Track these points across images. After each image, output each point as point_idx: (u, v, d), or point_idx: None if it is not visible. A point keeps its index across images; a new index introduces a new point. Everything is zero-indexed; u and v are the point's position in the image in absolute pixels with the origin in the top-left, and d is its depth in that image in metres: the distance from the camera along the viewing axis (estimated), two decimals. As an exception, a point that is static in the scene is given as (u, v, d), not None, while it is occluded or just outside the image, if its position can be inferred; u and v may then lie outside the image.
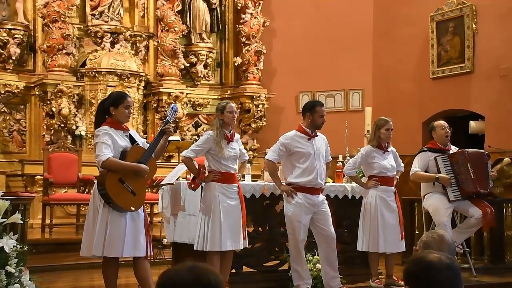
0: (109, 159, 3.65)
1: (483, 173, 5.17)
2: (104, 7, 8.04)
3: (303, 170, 4.36)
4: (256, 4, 8.67)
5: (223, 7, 8.93)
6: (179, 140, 7.12)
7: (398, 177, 5.08)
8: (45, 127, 7.65)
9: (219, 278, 1.53)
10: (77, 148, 7.45)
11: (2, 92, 7.48)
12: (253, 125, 8.65)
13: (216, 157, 4.27)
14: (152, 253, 3.92)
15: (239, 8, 8.73)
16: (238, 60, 8.71)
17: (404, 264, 3.08)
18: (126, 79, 7.85)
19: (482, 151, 5.54)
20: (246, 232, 4.38)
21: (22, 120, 7.76)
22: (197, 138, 8.26)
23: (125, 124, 3.89)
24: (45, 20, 7.59)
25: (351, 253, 5.16)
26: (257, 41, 8.64)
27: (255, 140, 8.67)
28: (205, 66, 8.75)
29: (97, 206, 3.72)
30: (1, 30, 7.47)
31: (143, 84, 8.20)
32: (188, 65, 8.61)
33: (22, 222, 3.52)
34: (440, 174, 5.07)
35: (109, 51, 7.97)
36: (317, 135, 4.49)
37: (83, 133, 7.74)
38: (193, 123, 8.74)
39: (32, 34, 7.84)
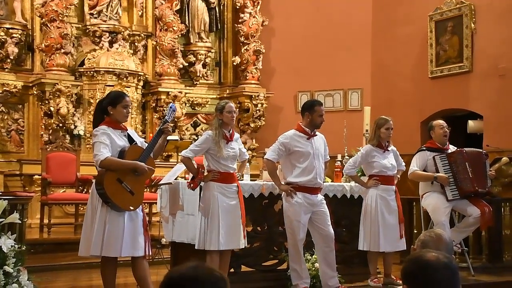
0: (107, 158, 3.65)
1: (481, 172, 5.18)
2: (103, 6, 8.02)
3: (303, 169, 4.36)
4: (255, 4, 8.67)
5: (221, 7, 8.92)
6: (177, 139, 7.12)
7: (399, 176, 5.09)
8: (43, 126, 7.64)
9: (224, 276, 1.54)
10: (75, 147, 7.43)
11: (0, 91, 7.46)
12: (252, 125, 8.65)
13: (215, 157, 4.27)
14: (150, 253, 3.92)
15: (237, 7, 8.72)
16: (237, 59, 8.71)
17: (402, 263, 3.07)
18: (124, 79, 7.83)
19: (481, 150, 5.55)
20: (245, 231, 4.38)
21: (20, 120, 7.75)
22: (196, 138, 8.28)
23: (123, 123, 3.89)
24: (43, 19, 7.58)
25: (350, 253, 5.16)
26: (256, 40, 8.64)
27: (253, 140, 8.67)
28: (204, 66, 8.74)
29: (96, 206, 3.72)
30: (-1, 29, 7.46)
31: (141, 83, 8.19)
32: (187, 64, 8.61)
33: (20, 221, 3.51)
34: (438, 173, 5.07)
35: (108, 50, 7.96)
36: (316, 135, 4.49)
37: (81, 132, 7.73)
38: (191, 122, 8.74)
39: (30, 33, 7.83)
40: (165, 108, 7.78)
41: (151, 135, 7.70)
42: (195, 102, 8.68)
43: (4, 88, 7.48)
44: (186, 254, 4.84)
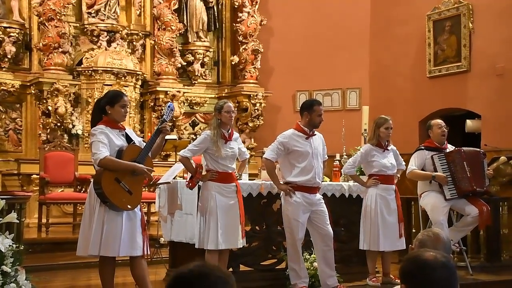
0: (106, 157, 3.65)
1: (479, 172, 5.19)
2: (101, 6, 8.01)
3: (301, 169, 4.36)
4: (253, 3, 8.67)
5: (220, 6, 8.92)
6: (176, 139, 7.11)
7: (399, 176, 5.09)
8: (41, 126, 7.62)
9: (230, 273, 1.57)
10: (73, 147, 7.43)
11: (-2, 91, 7.46)
12: (250, 124, 8.65)
13: (213, 157, 4.27)
14: (149, 252, 3.91)
15: (236, 6, 8.72)
16: (235, 58, 8.71)
17: (400, 262, 3.07)
18: (122, 78, 7.83)
19: (479, 149, 5.55)
20: (244, 231, 4.38)
21: (18, 119, 7.74)
22: (194, 137, 8.28)
23: (121, 123, 3.88)
24: (41, 18, 7.57)
25: (348, 252, 5.17)
26: (254, 39, 8.64)
27: (252, 139, 8.67)
28: (202, 65, 8.74)
29: (94, 206, 3.71)
30: (-4, 28, 7.45)
31: (139, 83, 8.18)
32: (185, 63, 8.60)
33: (18, 221, 3.50)
34: (436, 172, 5.08)
35: (106, 49, 7.95)
36: (315, 134, 4.49)
37: (79, 132, 7.72)
38: (190, 122, 8.74)
39: (28, 32, 7.81)
40: (163, 108, 7.77)
41: (149, 134, 7.69)
42: (194, 102, 8.67)
43: (2, 87, 7.46)
44: (184, 254, 4.84)
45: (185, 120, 8.60)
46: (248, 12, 8.63)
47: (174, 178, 4.95)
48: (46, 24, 7.52)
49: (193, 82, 8.74)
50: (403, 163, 5.08)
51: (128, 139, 3.86)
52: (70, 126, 7.67)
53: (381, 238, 4.75)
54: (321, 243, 4.44)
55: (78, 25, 8.07)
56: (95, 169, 3.79)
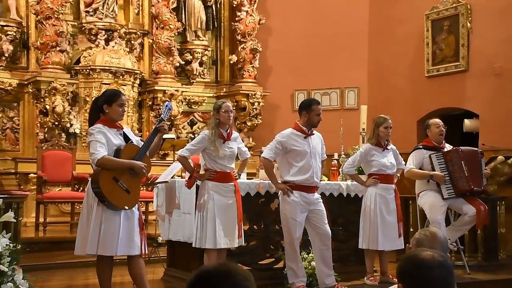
0: (104, 157, 3.64)
1: (477, 171, 5.19)
2: (99, 4, 8.00)
3: (299, 168, 4.36)
4: (252, 2, 8.66)
5: (218, 5, 8.91)
6: (174, 138, 7.11)
7: (398, 175, 5.09)
8: (38, 125, 7.61)
9: (250, 273, 1.59)
10: (71, 146, 7.41)
11: (-5, 89, 7.44)
12: (249, 123, 8.65)
13: (211, 156, 4.28)
14: (146, 251, 3.91)
15: (234, 5, 8.71)
16: (234, 58, 8.70)
17: (398, 261, 3.06)
18: (120, 77, 7.81)
19: (476, 149, 5.56)
20: (242, 230, 4.38)
21: (15, 118, 7.72)
22: (193, 136, 8.27)
23: (119, 122, 3.88)
24: (38, 16, 7.55)
25: (346, 251, 5.17)
26: (252, 39, 8.63)
27: (250, 138, 8.67)
28: (201, 64, 8.73)
29: (91, 205, 3.71)
30: (-6, 27, 7.43)
31: (138, 81, 8.17)
32: (183, 62, 8.59)
33: (15, 220, 3.50)
34: (434, 171, 5.08)
35: (104, 48, 7.93)
36: (313, 134, 4.49)
37: (77, 131, 7.71)
38: (188, 121, 8.73)
39: (25, 31, 7.80)
40: (161, 107, 7.77)
41: (147, 133, 7.69)
42: (192, 101, 8.67)
43: (-1, 86, 7.46)
44: (182, 253, 4.84)
45: (183, 119, 8.60)
46: (247, 11, 8.62)
47: (172, 177, 4.94)
48: (44, 23, 7.50)
49: (192, 81, 8.73)
50: (403, 162, 5.08)
51: (126, 138, 3.85)
52: (68, 125, 7.65)
53: (380, 238, 4.75)
54: (319, 243, 4.44)
55: (76, 23, 8.05)
56: (93, 169, 3.78)
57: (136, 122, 8.16)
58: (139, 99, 8.32)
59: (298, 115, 4.52)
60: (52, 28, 7.50)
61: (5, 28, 7.49)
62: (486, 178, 5.33)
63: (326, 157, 4.65)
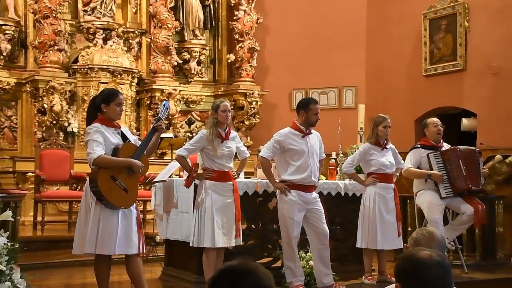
0: (100, 156, 3.64)
1: (475, 170, 5.20)
2: (96, 3, 7.99)
3: (297, 167, 4.36)
4: (250, 1, 8.66)
5: (216, 4, 8.91)
6: (172, 137, 7.11)
7: (398, 174, 5.10)
8: (36, 123, 7.60)
9: (270, 272, 1.60)
10: (69, 145, 7.41)
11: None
12: (247, 122, 8.64)
13: (209, 156, 4.28)
14: (144, 250, 3.90)
15: (232, 4, 8.71)
16: (232, 57, 8.70)
17: (396, 260, 3.07)
18: (118, 76, 7.81)
19: (474, 148, 5.57)
20: (241, 230, 4.38)
21: (13, 117, 7.71)
22: (191, 135, 8.27)
23: (116, 121, 3.88)
24: (37, 16, 7.54)
25: (344, 250, 5.18)
26: (250, 38, 8.63)
27: (248, 137, 8.66)
28: (198, 63, 8.73)
29: (89, 204, 3.70)
30: (-8, 26, 7.42)
31: (135, 80, 8.17)
32: (181, 61, 8.59)
33: (13, 219, 3.49)
34: (432, 171, 5.09)
35: (102, 47, 7.92)
36: (311, 133, 4.49)
37: (75, 130, 7.71)
38: (186, 120, 8.73)
39: (23, 30, 7.79)
40: (159, 106, 7.76)
41: (145, 132, 7.69)
42: (190, 100, 8.67)
43: (-3, 85, 7.44)
44: (180, 252, 4.84)
45: (181, 118, 8.59)
46: (245, 10, 8.62)
47: (170, 177, 4.94)
48: (42, 22, 7.49)
49: (189, 80, 8.73)
50: (402, 161, 5.08)
51: (124, 137, 3.85)
52: (66, 124, 7.65)
53: (379, 237, 4.75)
54: (317, 242, 4.44)
55: (74, 22, 8.04)
56: (91, 168, 3.78)
57: (134, 121, 8.16)
58: (137, 98, 8.31)
59: (296, 114, 4.53)
60: (50, 27, 7.48)
61: (3, 27, 7.48)
62: (484, 177, 5.34)
63: (324, 156, 4.65)
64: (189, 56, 8.60)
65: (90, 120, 3.83)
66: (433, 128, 5.20)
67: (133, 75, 8.05)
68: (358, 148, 5.23)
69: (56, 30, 7.51)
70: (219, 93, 8.72)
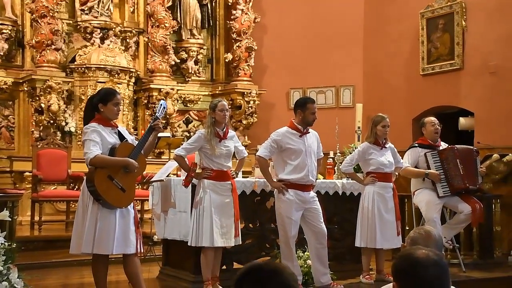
0: (96, 156, 3.63)
1: (472, 169, 5.21)
2: (94, 3, 7.97)
3: (295, 167, 4.37)
4: (247, 0, 8.65)
5: (213, 3, 8.90)
6: (169, 136, 7.10)
7: (397, 174, 5.10)
8: (34, 123, 7.59)
9: (296, 276, 1.63)
10: (66, 144, 7.39)
11: (-10, 88, 7.41)
12: (244, 122, 8.64)
13: (208, 155, 4.28)
14: (142, 250, 3.90)
15: (230, 4, 8.70)
16: (229, 56, 8.69)
17: (393, 259, 3.07)
18: (116, 75, 7.79)
19: (472, 147, 5.58)
20: (239, 229, 4.38)
21: (10, 116, 7.69)
22: (188, 135, 8.27)
23: (114, 121, 3.87)
24: (34, 15, 7.52)
25: (342, 249, 5.18)
26: (248, 37, 8.63)
27: (246, 137, 8.66)
28: (196, 62, 8.72)
29: (87, 203, 3.70)
30: (-12, 25, 7.39)
31: (133, 80, 8.15)
32: (179, 61, 8.58)
33: (10, 219, 3.48)
34: (430, 170, 5.09)
35: (99, 47, 7.91)
36: (309, 132, 4.49)
37: (72, 129, 7.69)
38: (184, 119, 8.72)
39: (20, 29, 7.77)
40: (156, 105, 7.74)
41: (142, 132, 7.67)
42: (187, 99, 8.66)
43: (-6, 84, 7.42)
44: (178, 251, 4.83)
45: (178, 118, 8.58)
46: (242, 10, 8.61)
47: (167, 176, 4.94)
48: (39, 21, 7.47)
49: (187, 80, 8.72)
50: (401, 160, 5.09)
51: (121, 137, 3.84)
52: (63, 123, 7.63)
53: (378, 236, 4.75)
54: (315, 241, 4.45)
55: (71, 22, 8.02)
56: (88, 168, 3.77)
57: (132, 120, 8.15)
58: (135, 98, 8.30)
59: (293, 114, 4.53)
60: (47, 26, 7.47)
61: (0, 26, 7.45)
62: (481, 176, 5.35)
63: (322, 155, 4.65)
64: (186, 56, 8.60)
65: (87, 119, 3.82)
66: (431, 127, 5.21)
67: (131, 74, 8.04)
68: (356, 147, 5.23)
69: (53, 30, 7.49)
70: (217, 92, 8.71)
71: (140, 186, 6.79)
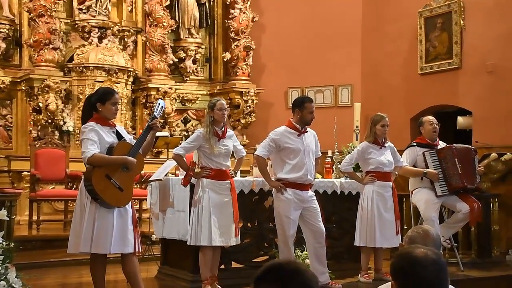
0: (94, 155, 3.63)
1: (471, 168, 5.21)
2: (92, 2, 7.96)
3: (293, 166, 4.36)
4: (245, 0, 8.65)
5: (212, 2, 8.89)
6: (167, 135, 7.09)
7: (396, 173, 5.10)
8: (32, 122, 7.58)
9: (316, 277, 1.60)
10: (64, 144, 7.39)
11: (-12, 87, 7.39)
12: (242, 121, 8.64)
13: (207, 154, 4.28)
14: (140, 249, 3.90)
15: (228, 3, 8.70)
16: (227, 55, 8.69)
17: (392, 259, 3.06)
18: (114, 75, 7.78)
19: (470, 146, 5.58)
20: (238, 229, 4.37)
21: (8, 116, 7.68)
22: (186, 134, 8.26)
23: (112, 120, 3.86)
24: (31, 14, 7.51)
25: (340, 248, 5.18)
26: (246, 36, 8.62)
27: (244, 136, 8.66)
28: (194, 62, 8.72)
29: (84, 203, 3.69)
30: (-14, 24, 7.38)
31: (131, 79, 8.15)
32: (177, 60, 8.57)
33: (8, 218, 3.48)
34: (428, 169, 5.10)
35: (97, 46, 7.90)
36: (307, 131, 4.49)
37: (70, 128, 7.68)
38: (182, 118, 8.72)
39: (18, 28, 7.75)
40: (155, 104, 7.73)
41: (141, 131, 7.66)
42: (185, 98, 8.65)
43: (-8, 84, 7.41)
44: (176, 251, 4.83)
45: (177, 117, 8.58)
46: (240, 9, 8.61)
47: (165, 175, 4.93)
48: (37, 20, 7.46)
49: (185, 79, 8.72)
50: (401, 160, 5.09)
51: (119, 136, 3.84)
52: (61, 122, 7.62)
53: (378, 235, 4.75)
54: (313, 240, 4.45)
55: (69, 21, 8.02)
56: (85, 167, 3.77)
57: (130, 120, 8.14)
58: (133, 97, 8.29)
59: (291, 113, 4.52)
60: (45, 25, 7.46)
61: (-2, 25, 7.44)
62: (480, 175, 5.35)
63: (320, 154, 4.65)
64: (184, 55, 8.59)
65: (85, 119, 3.82)
66: (429, 126, 5.21)
67: (129, 73, 8.03)
68: (354, 147, 5.23)
69: (51, 29, 7.48)
70: (215, 91, 8.71)
71: (138, 185, 6.78)
